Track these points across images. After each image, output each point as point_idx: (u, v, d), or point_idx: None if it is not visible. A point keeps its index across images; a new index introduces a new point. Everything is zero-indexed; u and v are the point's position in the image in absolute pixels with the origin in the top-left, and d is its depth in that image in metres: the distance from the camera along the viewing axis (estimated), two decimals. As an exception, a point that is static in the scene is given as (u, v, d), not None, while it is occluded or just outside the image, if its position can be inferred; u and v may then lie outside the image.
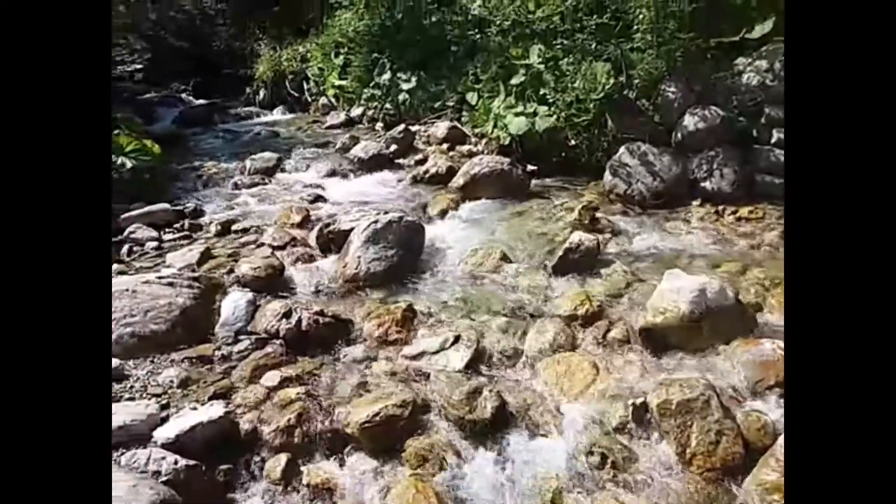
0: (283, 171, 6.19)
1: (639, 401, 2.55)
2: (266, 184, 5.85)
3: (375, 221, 3.93)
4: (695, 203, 4.69)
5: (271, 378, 2.83)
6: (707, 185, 4.73)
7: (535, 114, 5.53)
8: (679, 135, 4.96)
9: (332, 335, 3.17)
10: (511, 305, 3.45)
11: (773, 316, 3.17)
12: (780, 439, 2.29)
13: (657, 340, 2.99)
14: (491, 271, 3.85)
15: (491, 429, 2.52)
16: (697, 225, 4.43)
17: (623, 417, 2.51)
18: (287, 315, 3.19)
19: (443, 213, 4.83)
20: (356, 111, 8.33)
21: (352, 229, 4.00)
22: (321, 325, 3.17)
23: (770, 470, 2.24)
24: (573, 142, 5.45)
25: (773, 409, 2.52)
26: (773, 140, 4.61)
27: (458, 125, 6.68)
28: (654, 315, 3.05)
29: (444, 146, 6.43)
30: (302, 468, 2.37)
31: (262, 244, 4.23)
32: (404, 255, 3.85)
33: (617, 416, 2.53)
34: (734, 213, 4.49)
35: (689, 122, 4.89)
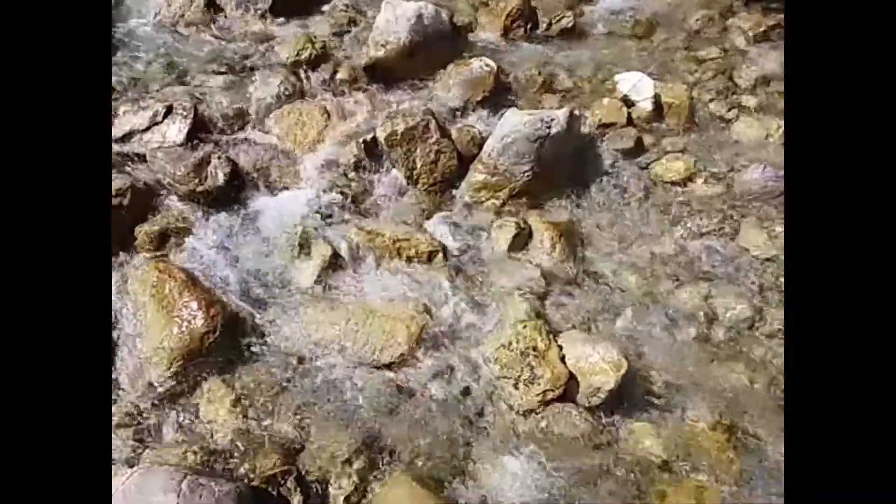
0: None
1: (369, 137, 2.68)
2: None
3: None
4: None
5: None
6: None
7: None
8: None
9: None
10: (228, 61, 3.06)
11: (483, 34, 3.39)
12: (486, 145, 2.68)
13: (382, 75, 3.03)
14: (198, 23, 3.26)
15: (229, 195, 2.45)
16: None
17: (356, 156, 2.64)
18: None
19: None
20: None
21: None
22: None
23: (478, 172, 2.67)
24: None
25: (481, 122, 2.88)
26: None
27: None
28: (377, 49, 3.01)
29: None
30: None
31: None
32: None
33: (351, 155, 2.64)
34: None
35: None
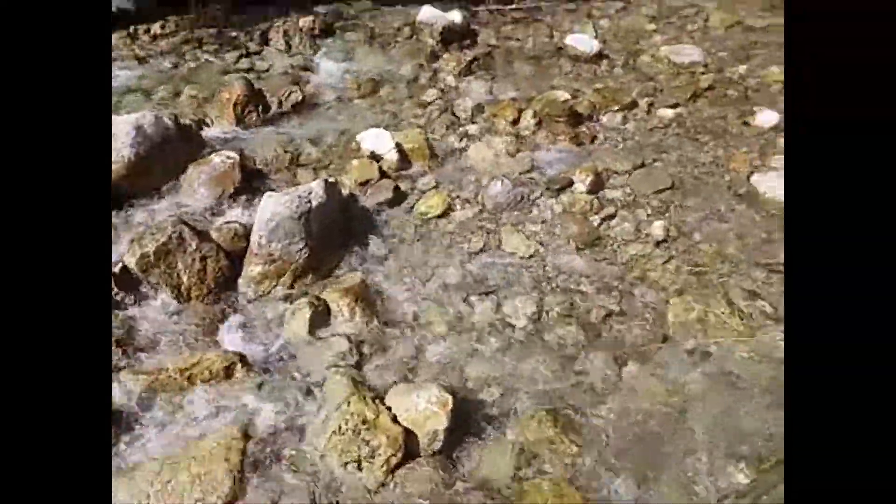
0: None
1: (118, 268, 2.39)
2: None
3: None
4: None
5: None
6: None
7: None
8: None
9: None
10: None
11: (216, 128, 3.30)
12: (252, 236, 2.58)
13: (115, 197, 2.73)
14: None
15: None
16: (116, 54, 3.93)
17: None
18: None
19: None
20: None
21: None
22: None
23: (254, 265, 2.56)
24: None
25: (240, 214, 2.78)
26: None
27: None
28: (99, 172, 2.72)
29: None
30: None
31: None
32: None
33: (100, 296, 2.32)
34: (147, 31, 4.14)
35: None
